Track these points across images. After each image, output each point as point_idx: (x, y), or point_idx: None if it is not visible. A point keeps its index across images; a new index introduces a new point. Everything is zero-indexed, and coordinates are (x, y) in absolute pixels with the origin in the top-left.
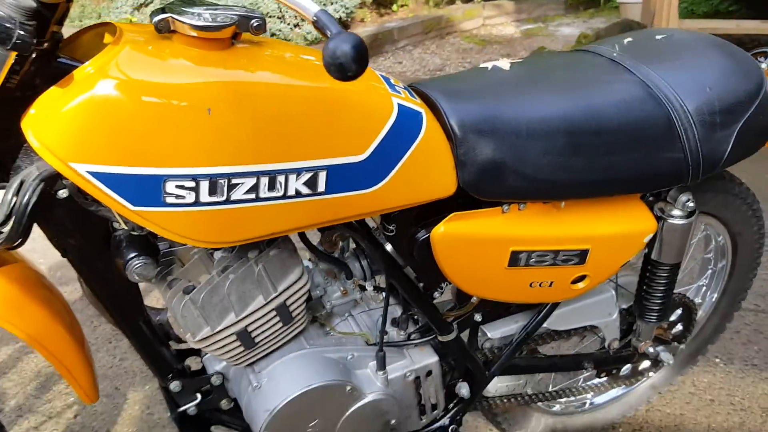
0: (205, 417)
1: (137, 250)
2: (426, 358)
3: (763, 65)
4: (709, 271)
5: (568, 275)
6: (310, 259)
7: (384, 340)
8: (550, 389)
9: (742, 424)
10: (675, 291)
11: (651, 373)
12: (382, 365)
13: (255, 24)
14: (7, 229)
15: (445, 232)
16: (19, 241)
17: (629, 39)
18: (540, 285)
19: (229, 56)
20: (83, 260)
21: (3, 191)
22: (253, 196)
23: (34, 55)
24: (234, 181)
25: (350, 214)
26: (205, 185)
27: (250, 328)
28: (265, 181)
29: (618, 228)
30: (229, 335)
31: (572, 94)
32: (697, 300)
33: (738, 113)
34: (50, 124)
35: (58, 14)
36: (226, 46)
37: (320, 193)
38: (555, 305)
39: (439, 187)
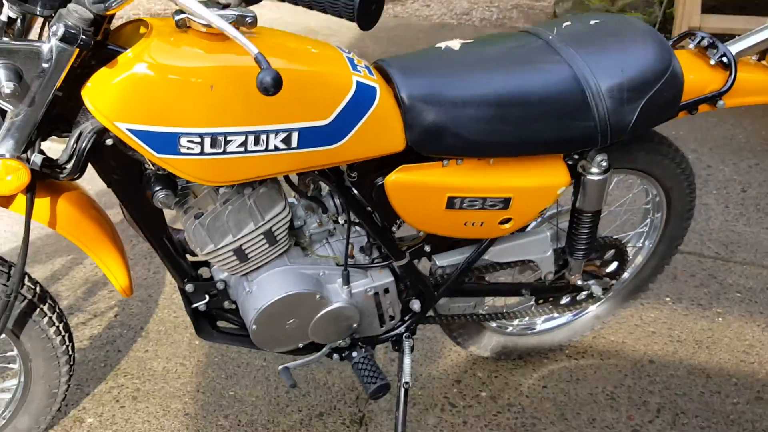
0: (212, 314)
1: (161, 185)
2: (384, 278)
3: (691, 45)
4: (648, 220)
5: (495, 217)
6: (294, 197)
7: (349, 263)
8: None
9: (674, 353)
10: (613, 236)
11: (591, 306)
12: (346, 281)
13: (249, 20)
14: (69, 166)
15: (395, 180)
16: (78, 174)
17: (567, 23)
18: (473, 224)
19: (229, 46)
20: (123, 191)
21: (67, 139)
22: (242, 149)
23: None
24: (228, 138)
25: (318, 164)
26: (207, 141)
27: (243, 247)
28: (251, 138)
29: (536, 181)
30: (227, 251)
31: (504, 72)
32: (638, 244)
33: (643, 91)
34: (101, 94)
35: (109, 18)
36: (227, 38)
37: (294, 148)
38: (492, 241)
39: (390, 144)
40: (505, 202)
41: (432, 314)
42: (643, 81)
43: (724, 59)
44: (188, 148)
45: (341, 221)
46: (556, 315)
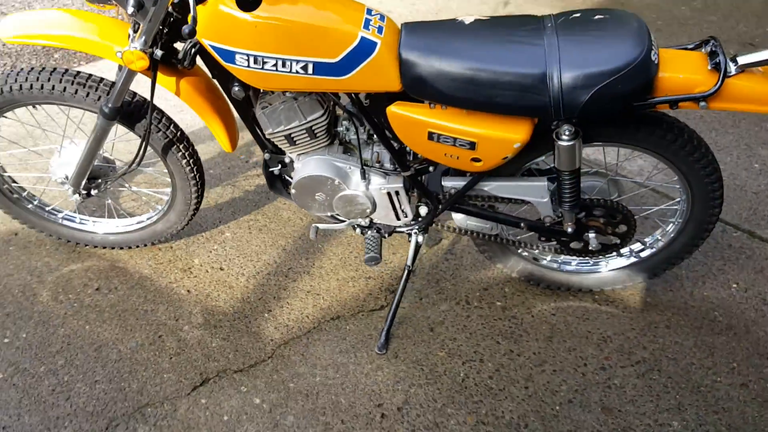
0: (281, 177)
1: (236, 81)
2: (395, 183)
3: (703, 50)
4: (678, 200)
5: (466, 155)
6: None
7: (369, 166)
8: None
9: (698, 328)
10: (623, 203)
11: (604, 259)
12: (363, 176)
13: None
14: (186, 62)
15: (392, 110)
16: (190, 66)
17: (576, 15)
18: (451, 156)
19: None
20: (220, 83)
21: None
22: (274, 69)
23: None
24: (264, 60)
25: (330, 88)
26: (251, 59)
27: (292, 135)
28: (279, 62)
29: (496, 135)
30: (280, 136)
31: (487, 45)
32: (670, 220)
33: (598, 80)
34: (206, 22)
35: None
36: None
37: (310, 74)
38: (481, 175)
39: (387, 84)
40: (471, 145)
41: (452, 226)
42: (601, 71)
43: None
44: (240, 61)
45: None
46: (572, 259)
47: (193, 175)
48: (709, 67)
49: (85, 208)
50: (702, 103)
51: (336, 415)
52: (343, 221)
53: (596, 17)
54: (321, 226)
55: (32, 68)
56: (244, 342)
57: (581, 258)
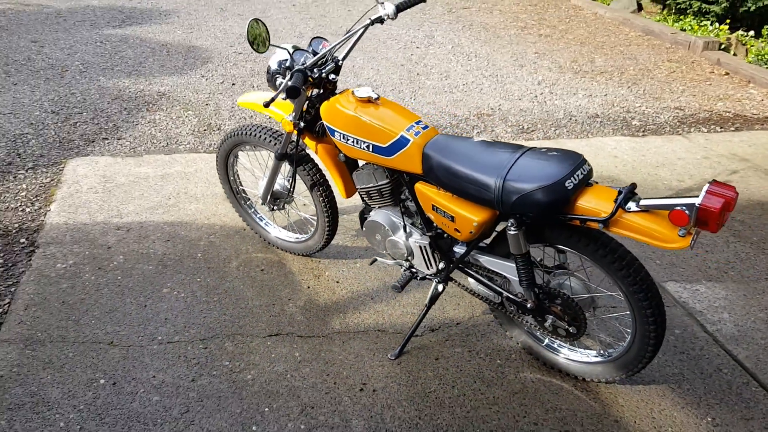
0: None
1: (339, 150)
2: (423, 240)
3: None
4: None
5: (451, 225)
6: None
7: (408, 227)
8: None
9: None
10: (575, 299)
11: (567, 345)
12: (405, 230)
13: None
14: (318, 132)
15: (417, 186)
16: (324, 135)
17: (543, 149)
18: (444, 224)
19: (360, 105)
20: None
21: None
22: (354, 144)
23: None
24: (348, 138)
25: (382, 163)
26: (341, 136)
27: (369, 192)
28: (356, 141)
29: (464, 213)
30: (364, 192)
31: (474, 156)
32: (627, 329)
33: (520, 190)
34: (323, 110)
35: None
36: (364, 101)
37: (371, 152)
38: (470, 249)
39: (414, 168)
40: (451, 218)
41: (466, 286)
42: (524, 185)
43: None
44: (337, 136)
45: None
46: (563, 345)
47: (326, 210)
48: (614, 202)
49: (287, 225)
50: (600, 226)
51: (335, 376)
52: (393, 260)
53: (552, 152)
54: (379, 258)
55: (255, 125)
56: (314, 323)
57: (560, 341)
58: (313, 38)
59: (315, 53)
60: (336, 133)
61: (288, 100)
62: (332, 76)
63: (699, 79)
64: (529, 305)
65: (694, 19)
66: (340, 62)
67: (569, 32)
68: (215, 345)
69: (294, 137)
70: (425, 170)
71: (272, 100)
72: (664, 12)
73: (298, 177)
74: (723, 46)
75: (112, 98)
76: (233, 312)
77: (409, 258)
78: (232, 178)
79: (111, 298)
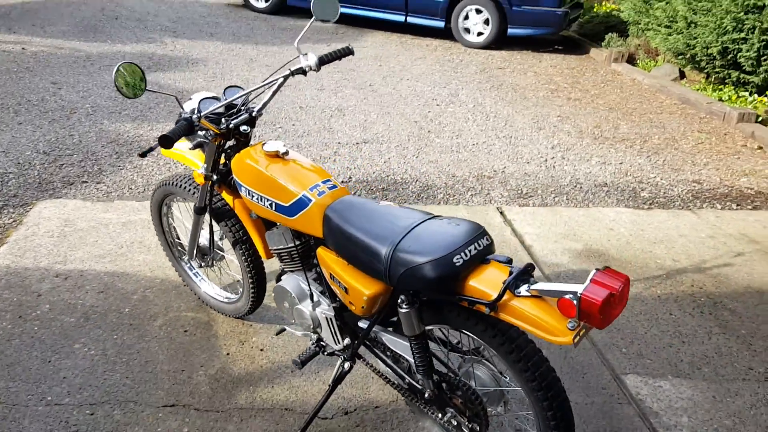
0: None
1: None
2: (329, 311)
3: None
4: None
5: (346, 297)
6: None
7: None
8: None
9: None
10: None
11: None
12: (311, 298)
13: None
14: (231, 187)
15: (318, 251)
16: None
17: (447, 219)
18: (341, 295)
19: (267, 160)
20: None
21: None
22: (258, 201)
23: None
24: (252, 193)
25: (287, 224)
26: (246, 191)
27: (281, 254)
28: (259, 197)
29: (356, 284)
30: (276, 253)
31: (370, 222)
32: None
33: (408, 263)
34: (233, 164)
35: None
36: (272, 155)
37: (275, 210)
38: (372, 325)
39: (315, 231)
40: (345, 289)
41: (373, 365)
42: (412, 258)
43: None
44: (243, 192)
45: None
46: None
47: (249, 270)
48: (503, 283)
49: (222, 283)
50: (487, 310)
51: None
52: (301, 331)
53: (455, 223)
54: (288, 328)
55: (181, 174)
56: (219, 396)
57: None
58: (227, 87)
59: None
60: (243, 188)
61: (193, 148)
62: (244, 127)
63: (727, 152)
64: (426, 394)
65: (733, 89)
66: (255, 113)
67: (600, 97)
68: (103, 412)
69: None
70: (325, 234)
71: (149, 150)
72: (706, 81)
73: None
74: (760, 119)
75: (107, 141)
76: (137, 376)
77: (318, 330)
78: (166, 229)
79: (19, 350)
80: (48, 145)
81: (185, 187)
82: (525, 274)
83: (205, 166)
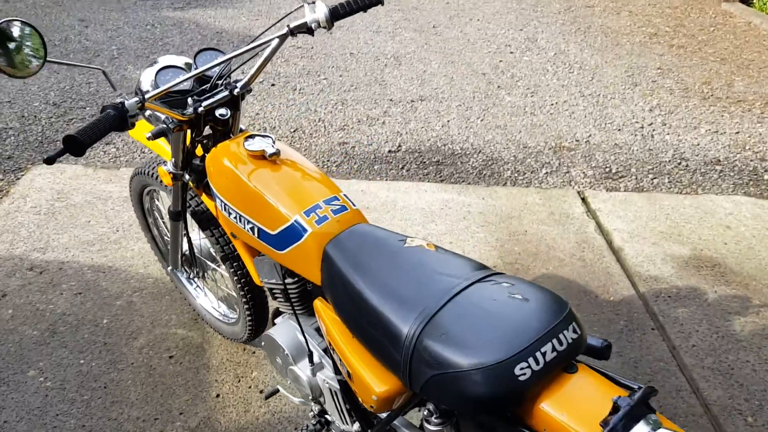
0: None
1: None
2: (335, 382)
3: None
4: None
5: (346, 377)
6: None
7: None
8: None
9: None
10: None
11: None
12: (311, 360)
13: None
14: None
15: (316, 303)
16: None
17: (507, 283)
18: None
19: (244, 160)
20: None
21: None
22: (236, 221)
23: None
24: (230, 210)
25: (275, 258)
26: (222, 205)
27: (273, 290)
28: (236, 215)
29: (363, 374)
30: (267, 287)
31: (394, 277)
32: None
33: (439, 363)
34: (208, 161)
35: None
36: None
37: (257, 237)
38: (388, 420)
39: (311, 275)
40: (349, 375)
41: None
42: (446, 356)
43: None
44: (218, 203)
45: None
46: None
47: (243, 294)
48: (601, 426)
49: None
50: None
51: None
52: (299, 398)
53: (524, 292)
54: (282, 389)
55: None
56: None
57: None
58: (200, 50)
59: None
60: (217, 199)
61: (149, 139)
62: (221, 111)
63: None
64: None
65: None
66: (237, 91)
67: (709, 44)
68: None
69: (190, 191)
70: (323, 281)
71: (58, 154)
72: None
73: (208, 244)
74: None
75: (127, 92)
76: (95, 425)
77: (321, 400)
78: (152, 226)
79: None
80: (60, 95)
81: (158, 177)
82: (641, 406)
83: (173, 162)
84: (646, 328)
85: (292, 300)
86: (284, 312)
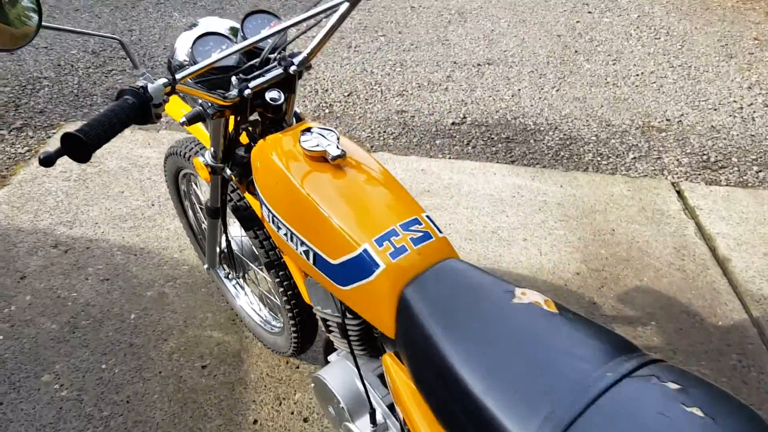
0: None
1: None
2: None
3: None
4: None
5: None
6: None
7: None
8: None
9: None
10: None
11: None
12: (372, 421)
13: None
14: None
15: (386, 359)
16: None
17: (678, 386)
18: None
19: (306, 166)
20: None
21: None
22: (286, 239)
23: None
24: (279, 225)
25: (335, 293)
26: (270, 215)
27: (327, 322)
28: (288, 233)
29: None
30: (320, 316)
31: (494, 340)
32: None
33: None
34: (254, 156)
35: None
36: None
37: (312, 263)
38: None
39: (381, 324)
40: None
41: None
42: None
43: None
44: (265, 212)
45: None
46: None
47: (290, 310)
48: None
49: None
50: None
51: None
52: None
53: (697, 409)
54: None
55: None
56: None
57: None
58: (249, 13)
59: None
60: (264, 205)
61: (182, 125)
62: (273, 94)
63: None
64: None
65: None
66: (294, 68)
67: None
68: None
69: (232, 185)
70: (398, 336)
71: (57, 155)
72: None
73: (251, 243)
74: None
75: (172, 42)
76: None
77: None
78: (187, 204)
79: None
80: (100, 43)
81: (188, 146)
82: None
83: (210, 151)
84: (764, 365)
85: (351, 340)
86: (339, 348)
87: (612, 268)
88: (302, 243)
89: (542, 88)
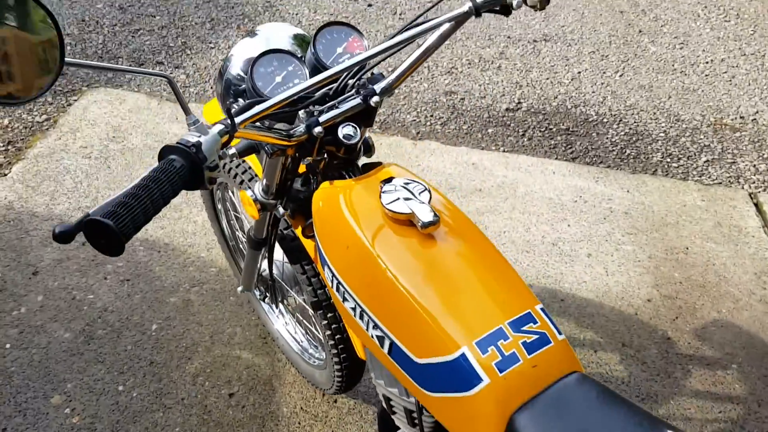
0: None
1: None
2: None
3: None
4: None
5: None
6: None
7: None
8: None
9: None
10: None
11: None
12: None
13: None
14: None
15: None
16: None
17: None
18: None
19: (385, 229)
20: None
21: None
22: (352, 312)
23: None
24: (345, 293)
25: (411, 391)
26: (335, 281)
27: (391, 404)
28: (358, 309)
29: None
30: (382, 395)
31: None
32: None
33: None
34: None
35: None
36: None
37: (387, 352)
38: None
39: None
40: None
41: None
42: None
43: None
44: (327, 274)
45: None
46: None
47: (336, 354)
48: None
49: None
50: None
51: None
52: None
53: None
54: None
55: None
56: None
57: None
58: (324, 25)
59: (318, 64)
60: (326, 265)
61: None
62: (348, 131)
63: None
64: None
65: None
66: (377, 99)
67: None
68: None
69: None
70: None
71: (77, 229)
72: None
73: (295, 275)
74: None
75: (204, 1)
76: None
77: None
78: (220, 209)
79: None
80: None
81: (234, 173)
82: None
83: (263, 184)
84: None
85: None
86: (400, 428)
87: (687, 295)
88: (376, 326)
89: (604, 72)
